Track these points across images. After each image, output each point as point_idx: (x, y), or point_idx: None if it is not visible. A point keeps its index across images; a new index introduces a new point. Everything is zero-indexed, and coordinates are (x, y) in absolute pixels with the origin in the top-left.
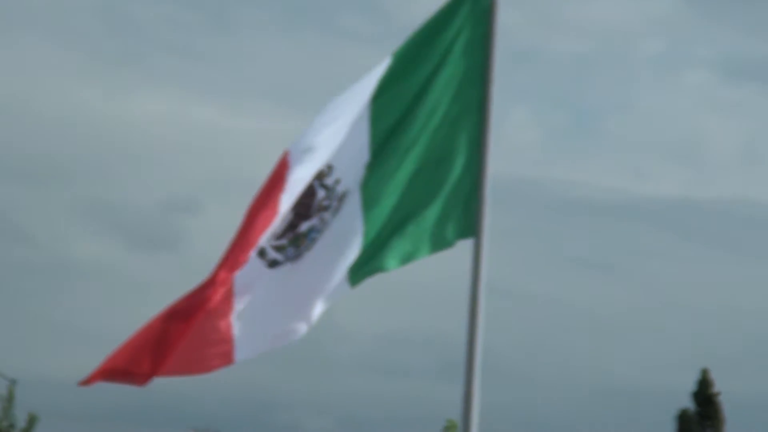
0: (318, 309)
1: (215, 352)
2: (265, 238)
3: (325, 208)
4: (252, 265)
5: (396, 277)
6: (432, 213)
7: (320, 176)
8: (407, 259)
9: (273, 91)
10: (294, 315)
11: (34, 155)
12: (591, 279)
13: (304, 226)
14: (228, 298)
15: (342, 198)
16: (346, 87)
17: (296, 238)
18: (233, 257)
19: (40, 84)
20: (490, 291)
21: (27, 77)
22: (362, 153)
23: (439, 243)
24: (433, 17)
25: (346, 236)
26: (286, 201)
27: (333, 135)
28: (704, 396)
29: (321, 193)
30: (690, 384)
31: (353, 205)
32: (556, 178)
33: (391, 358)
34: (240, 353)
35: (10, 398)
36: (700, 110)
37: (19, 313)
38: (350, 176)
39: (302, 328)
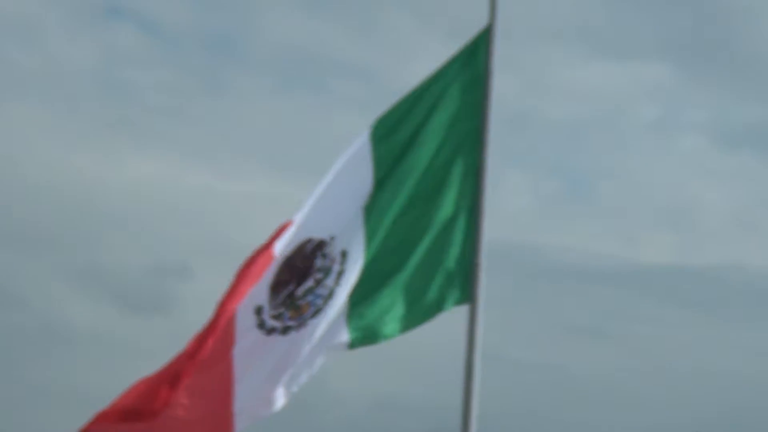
0: (305, 377)
1: (216, 424)
2: (265, 310)
3: (322, 271)
4: (252, 338)
5: (390, 342)
6: (420, 281)
7: (321, 246)
8: (394, 330)
9: (266, 155)
10: (285, 381)
11: (25, 220)
12: (585, 345)
13: (300, 291)
14: (228, 374)
15: (343, 262)
16: (337, 150)
17: (292, 302)
18: (224, 309)
19: (32, 148)
20: (483, 357)
21: (19, 142)
22: (359, 224)
23: (426, 313)
24: (426, 82)
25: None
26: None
27: (326, 205)
28: None
29: (319, 262)
30: None
31: (355, 274)
32: (549, 244)
33: (385, 423)
34: (240, 424)
35: None
36: (693, 176)
37: (12, 379)
38: (353, 246)
39: (286, 393)
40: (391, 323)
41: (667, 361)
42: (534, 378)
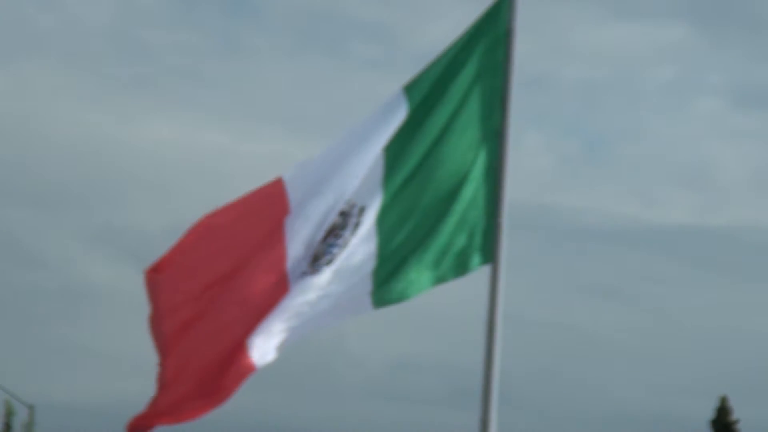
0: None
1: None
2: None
3: (341, 226)
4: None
5: (409, 302)
6: (441, 242)
7: (345, 212)
8: (415, 289)
9: (283, 116)
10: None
11: (46, 180)
12: (603, 305)
13: (324, 244)
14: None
15: (361, 215)
16: (355, 113)
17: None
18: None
19: (52, 109)
20: (504, 317)
21: (39, 102)
22: (379, 180)
23: (447, 273)
24: (453, 44)
25: (361, 257)
26: (296, 227)
27: (351, 169)
28: (722, 423)
29: (340, 219)
30: (707, 411)
31: (369, 227)
32: (567, 204)
33: (404, 384)
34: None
35: (30, 424)
36: (710, 137)
37: (34, 338)
38: (370, 204)
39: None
40: (413, 283)
41: (686, 321)
42: (554, 338)
